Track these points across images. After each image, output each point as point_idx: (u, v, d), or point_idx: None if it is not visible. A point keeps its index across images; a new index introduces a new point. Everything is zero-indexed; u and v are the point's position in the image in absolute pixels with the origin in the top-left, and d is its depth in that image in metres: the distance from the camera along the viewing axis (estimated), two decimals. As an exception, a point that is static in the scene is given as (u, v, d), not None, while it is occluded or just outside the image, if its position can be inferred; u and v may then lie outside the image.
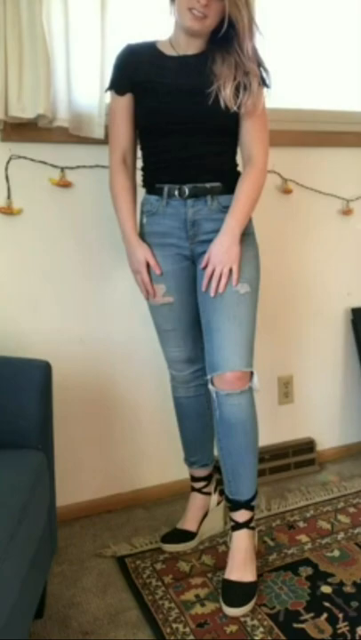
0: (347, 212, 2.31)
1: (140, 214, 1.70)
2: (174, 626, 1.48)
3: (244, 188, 1.58)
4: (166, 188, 1.61)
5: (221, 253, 1.55)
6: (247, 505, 1.62)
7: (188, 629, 1.46)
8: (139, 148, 1.69)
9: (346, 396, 2.44)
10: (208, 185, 1.59)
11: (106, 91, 1.68)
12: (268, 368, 2.25)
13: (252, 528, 1.65)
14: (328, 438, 2.40)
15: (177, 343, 1.73)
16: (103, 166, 1.87)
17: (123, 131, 1.65)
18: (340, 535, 1.85)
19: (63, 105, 1.76)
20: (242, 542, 1.61)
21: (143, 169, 1.69)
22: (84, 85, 1.77)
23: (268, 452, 2.22)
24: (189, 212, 1.60)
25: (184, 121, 1.55)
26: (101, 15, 1.74)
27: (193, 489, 1.87)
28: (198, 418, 1.82)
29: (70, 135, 1.79)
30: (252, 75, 1.52)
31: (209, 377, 1.58)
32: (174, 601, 1.57)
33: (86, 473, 2.01)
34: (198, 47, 1.58)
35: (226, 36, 1.51)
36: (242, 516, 1.62)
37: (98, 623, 1.50)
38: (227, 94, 1.51)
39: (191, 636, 1.44)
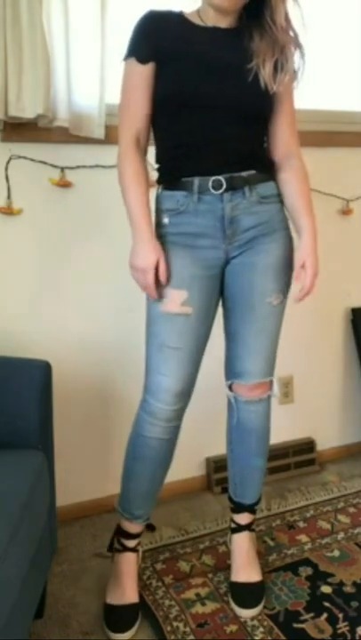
0: (347, 212, 2.31)
1: (157, 213, 1.47)
2: (175, 624, 1.48)
3: (301, 186, 1.50)
4: (197, 181, 1.38)
5: (313, 264, 1.46)
6: (250, 509, 1.63)
7: (188, 629, 1.46)
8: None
9: (346, 396, 2.44)
10: (245, 174, 1.41)
11: (124, 59, 1.43)
12: (268, 368, 2.25)
13: (253, 530, 1.65)
14: (328, 438, 2.40)
15: (175, 367, 1.44)
16: (103, 166, 1.87)
17: (140, 106, 1.40)
18: (340, 535, 1.85)
19: (63, 105, 1.75)
20: (244, 544, 1.62)
21: (160, 160, 1.47)
22: (84, 85, 1.77)
23: (269, 451, 2.22)
24: (227, 208, 1.40)
25: (216, 99, 1.36)
26: (101, 15, 1.74)
27: (125, 549, 1.55)
28: (164, 464, 1.53)
29: (70, 135, 1.79)
30: (287, 50, 1.39)
31: (228, 383, 1.56)
32: (174, 600, 1.57)
33: (86, 473, 2.01)
34: (230, 22, 1.41)
35: (257, 11, 1.38)
36: (244, 518, 1.63)
37: (98, 623, 1.50)
38: (266, 73, 1.36)
39: (191, 636, 1.44)
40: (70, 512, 1.95)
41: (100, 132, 1.80)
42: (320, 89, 2.26)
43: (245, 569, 1.58)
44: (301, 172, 1.51)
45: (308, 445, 2.31)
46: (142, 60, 1.38)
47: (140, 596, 1.58)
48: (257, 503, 1.63)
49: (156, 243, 1.39)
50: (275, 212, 1.48)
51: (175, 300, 1.41)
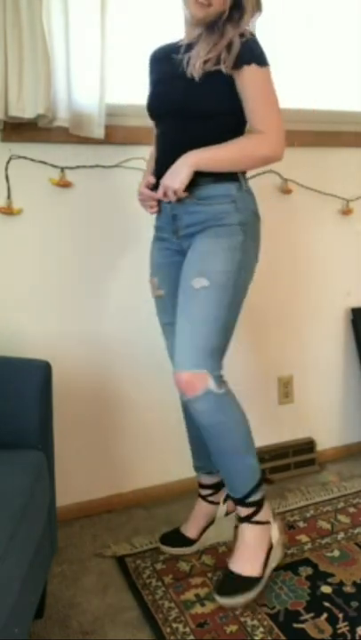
0: (347, 212, 2.31)
1: None
2: (174, 625, 1.48)
3: (233, 140, 1.51)
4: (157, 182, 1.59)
5: (169, 174, 1.50)
6: (242, 502, 1.59)
7: (188, 629, 1.46)
8: None
9: (346, 396, 2.44)
10: None
11: None
12: (268, 368, 2.25)
13: (258, 523, 1.58)
14: (328, 438, 2.40)
15: (172, 337, 1.60)
16: (103, 166, 1.87)
17: None
18: (340, 535, 1.85)
19: (63, 105, 1.76)
20: (244, 535, 1.59)
21: None
22: (84, 85, 1.77)
23: (268, 451, 2.22)
24: (168, 207, 1.58)
25: (159, 109, 1.58)
26: (101, 15, 1.74)
27: (199, 495, 1.82)
28: (194, 421, 1.63)
29: (70, 135, 1.79)
30: (224, 39, 1.47)
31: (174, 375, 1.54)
32: (174, 601, 1.57)
33: (86, 473, 2.01)
34: (199, 32, 1.55)
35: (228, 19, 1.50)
36: (242, 511, 1.61)
37: (98, 623, 1.50)
38: (195, 65, 1.47)
39: (191, 636, 1.44)
40: (70, 512, 1.95)
41: (99, 132, 1.80)
42: (320, 89, 2.26)
43: (239, 560, 1.56)
44: (250, 136, 1.53)
45: (308, 445, 2.31)
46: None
47: (140, 596, 1.58)
48: (249, 496, 1.57)
49: (149, 174, 1.64)
50: (215, 212, 1.53)
51: (153, 285, 1.71)
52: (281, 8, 2.13)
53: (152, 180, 1.59)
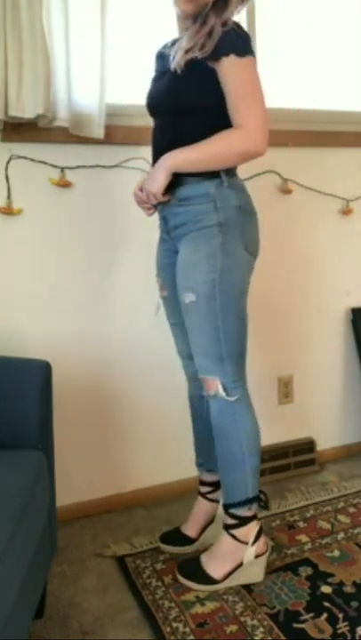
0: (347, 212, 2.31)
1: None
2: (174, 625, 1.47)
3: (210, 138, 1.45)
4: None
5: (148, 177, 1.51)
6: (225, 508, 1.60)
7: (188, 629, 1.46)
8: None
9: (346, 396, 2.44)
10: None
11: None
12: (268, 368, 2.25)
13: (234, 537, 1.59)
14: (328, 438, 2.40)
15: (180, 337, 1.71)
16: (103, 166, 1.87)
17: None
18: (340, 535, 1.85)
19: (63, 105, 1.76)
20: (220, 541, 1.62)
21: None
22: (84, 85, 1.77)
23: (268, 452, 2.22)
24: (159, 208, 1.59)
25: (152, 106, 1.59)
26: (101, 15, 1.74)
27: (199, 492, 1.82)
28: (201, 418, 1.76)
29: (70, 135, 1.79)
30: (214, 33, 1.41)
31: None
32: (174, 601, 1.57)
33: (86, 473, 2.01)
34: (186, 27, 1.53)
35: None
36: (225, 517, 1.61)
37: (98, 623, 1.50)
38: (177, 57, 1.44)
39: (191, 636, 1.44)
40: (70, 512, 1.95)
41: (99, 132, 1.80)
42: (320, 89, 2.26)
43: (210, 557, 1.63)
44: (225, 132, 1.45)
45: (308, 445, 2.31)
46: None
47: (140, 596, 1.58)
48: (231, 507, 1.58)
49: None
50: (194, 213, 1.50)
51: (159, 285, 1.72)
52: (281, 8, 2.13)
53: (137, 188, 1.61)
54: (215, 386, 1.53)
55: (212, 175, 1.49)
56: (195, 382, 1.72)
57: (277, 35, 2.08)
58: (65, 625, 1.50)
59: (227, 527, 1.60)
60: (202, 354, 1.54)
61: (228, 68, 1.42)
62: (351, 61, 2.31)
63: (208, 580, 1.60)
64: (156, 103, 1.57)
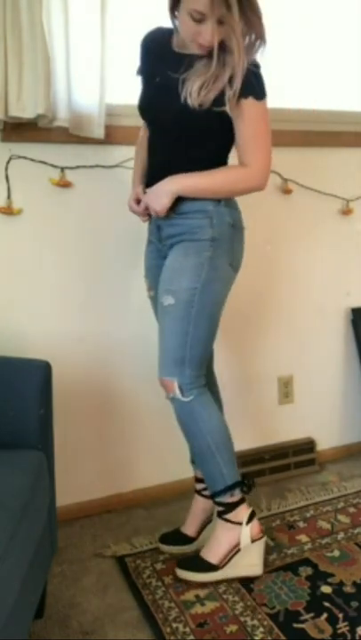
0: (347, 212, 2.31)
1: None
2: (174, 625, 1.48)
3: (218, 170, 1.55)
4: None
5: (152, 195, 1.55)
6: (212, 498, 1.67)
7: (188, 629, 1.46)
8: None
9: (346, 396, 2.44)
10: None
11: None
12: (268, 368, 2.25)
13: (227, 520, 1.65)
14: (328, 438, 2.40)
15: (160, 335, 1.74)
16: (103, 166, 1.87)
17: None
18: (340, 535, 1.85)
19: (63, 105, 1.76)
20: (215, 528, 1.67)
21: None
22: (84, 85, 1.77)
23: (268, 451, 2.22)
24: (154, 217, 1.62)
25: (155, 119, 1.58)
26: (101, 15, 1.74)
27: (195, 490, 1.83)
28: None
29: (70, 135, 1.79)
30: (227, 73, 1.43)
31: None
32: (174, 601, 1.57)
33: (86, 473, 2.01)
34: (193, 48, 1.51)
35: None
36: (215, 506, 1.68)
37: (98, 623, 1.50)
38: (192, 90, 1.44)
39: (191, 636, 1.44)
40: (70, 512, 1.95)
41: (99, 132, 1.80)
42: (320, 89, 2.26)
43: (207, 546, 1.66)
44: (235, 168, 1.56)
45: (308, 445, 2.31)
46: (137, 73, 1.64)
47: (141, 596, 1.58)
48: (216, 495, 1.64)
49: (138, 183, 1.69)
50: (191, 226, 1.56)
51: (147, 286, 1.76)
52: (281, 8, 2.13)
53: (140, 194, 1.63)
54: (173, 387, 1.58)
55: None
56: None
57: (277, 34, 2.07)
58: (65, 625, 1.50)
59: (218, 514, 1.66)
60: (166, 355, 1.59)
61: (246, 111, 1.48)
62: (351, 61, 2.31)
63: (207, 566, 1.63)
64: (161, 119, 1.56)
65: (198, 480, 1.82)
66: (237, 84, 1.43)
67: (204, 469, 1.66)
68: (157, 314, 1.69)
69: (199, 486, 1.81)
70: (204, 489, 1.79)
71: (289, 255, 2.24)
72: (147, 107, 1.59)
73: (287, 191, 2.19)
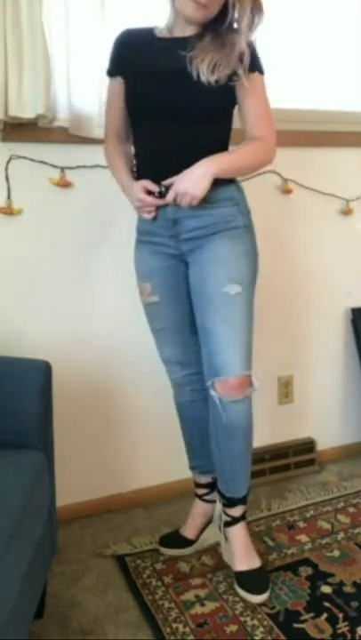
0: (347, 212, 2.31)
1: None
2: (174, 626, 1.48)
3: (241, 147, 1.54)
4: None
5: (188, 180, 1.46)
6: (243, 500, 1.65)
7: (188, 629, 1.46)
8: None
9: (346, 396, 2.44)
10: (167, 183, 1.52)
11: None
12: (268, 368, 2.25)
13: (245, 519, 1.67)
14: (328, 438, 2.40)
15: (168, 343, 1.71)
16: (103, 166, 1.87)
17: (114, 112, 1.64)
18: (340, 535, 1.85)
19: (63, 105, 1.76)
20: (241, 534, 1.64)
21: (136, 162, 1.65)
22: (84, 85, 1.77)
23: (268, 452, 2.22)
24: (170, 212, 1.55)
25: (161, 106, 1.50)
26: (101, 15, 1.74)
27: (196, 495, 1.83)
28: (194, 423, 1.77)
29: (70, 135, 1.79)
30: (236, 49, 1.46)
31: (210, 382, 1.55)
32: (174, 601, 1.57)
33: (86, 473, 2.01)
34: (194, 30, 1.53)
35: (224, 19, 1.49)
36: (238, 510, 1.65)
37: (98, 623, 1.50)
38: (203, 67, 1.44)
39: (191, 636, 1.44)
40: (70, 512, 1.95)
41: (99, 132, 1.79)
42: (320, 89, 2.26)
43: (247, 557, 1.62)
44: (254, 144, 1.56)
45: (308, 445, 2.31)
46: (110, 74, 1.63)
47: (141, 596, 1.58)
48: (248, 493, 1.66)
49: (138, 181, 1.58)
50: (222, 215, 1.55)
51: (143, 292, 1.68)
52: (281, 8, 2.13)
53: (152, 186, 1.53)
54: (247, 383, 1.54)
55: (231, 179, 1.57)
56: (184, 388, 1.76)
57: (277, 34, 2.08)
58: (65, 625, 1.50)
59: (243, 517, 1.67)
60: (241, 349, 1.53)
61: (255, 85, 1.52)
62: (351, 61, 2.31)
63: (266, 571, 1.64)
64: (175, 109, 1.51)
65: (200, 485, 1.81)
66: (247, 58, 1.47)
67: (245, 468, 1.63)
68: (162, 319, 1.68)
69: (201, 491, 1.81)
70: (207, 494, 1.80)
71: (289, 255, 2.24)
72: (150, 97, 1.51)
73: (287, 191, 2.19)
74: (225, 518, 1.67)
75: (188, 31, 1.53)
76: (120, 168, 1.65)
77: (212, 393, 1.54)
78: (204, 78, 1.44)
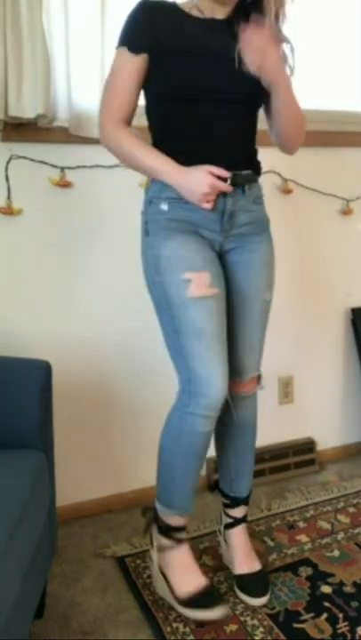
0: (347, 212, 2.31)
1: (150, 201, 1.47)
2: (174, 625, 1.48)
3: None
4: None
5: (277, 61, 1.37)
6: (246, 500, 1.66)
7: (188, 629, 1.46)
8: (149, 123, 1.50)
9: (346, 396, 2.44)
10: (244, 172, 1.45)
11: (118, 46, 1.43)
12: (268, 368, 2.23)
13: (247, 521, 1.68)
14: (328, 438, 2.40)
15: (220, 350, 1.42)
16: (103, 166, 1.87)
17: (129, 93, 1.42)
18: (340, 535, 1.85)
19: (63, 105, 1.76)
20: (243, 536, 1.64)
21: (162, 151, 1.43)
22: (84, 85, 1.77)
23: (268, 452, 2.22)
24: (229, 203, 1.43)
25: (220, 92, 1.39)
26: (101, 15, 1.74)
27: (180, 541, 1.52)
28: (204, 453, 1.51)
29: (70, 135, 1.79)
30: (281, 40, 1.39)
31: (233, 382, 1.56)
32: (174, 601, 1.57)
33: (86, 473, 2.01)
34: (227, 12, 1.42)
35: (254, 3, 1.39)
36: (241, 511, 1.65)
37: (98, 623, 1.50)
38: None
39: (191, 636, 1.44)
40: (70, 512, 1.95)
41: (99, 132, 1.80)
42: (320, 89, 2.26)
43: (248, 560, 1.61)
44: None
45: (308, 445, 2.31)
46: (135, 50, 1.39)
47: (141, 596, 1.58)
48: (250, 494, 1.68)
49: (191, 167, 1.39)
50: (262, 212, 1.56)
51: (202, 282, 1.40)
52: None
53: (221, 171, 1.37)
54: (257, 380, 1.61)
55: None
56: (216, 412, 1.45)
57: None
58: (65, 625, 1.50)
59: (245, 518, 1.67)
60: (260, 351, 1.60)
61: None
62: (352, 61, 2.31)
63: (266, 573, 1.64)
64: (225, 95, 1.40)
65: (182, 529, 1.54)
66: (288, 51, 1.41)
67: (252, 467, 1.68)
68: (213, 316, 1.42)
69: (183, 534, 1.54)
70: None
71: (289, 255, 2.24)
72: (205, 80, 1.39)
73: (287, 191, 2.19)
74: (226, 520, 1.66)
75: (221, 13, 1.42)
76: (153, 152, 1.42)
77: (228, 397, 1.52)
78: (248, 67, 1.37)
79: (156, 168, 1.41)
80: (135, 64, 1.40)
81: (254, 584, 1.57)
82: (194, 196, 1.38)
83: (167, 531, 1.52)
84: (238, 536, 1.63)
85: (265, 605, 1.54)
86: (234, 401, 1.54)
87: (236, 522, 1.64)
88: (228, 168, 1.39)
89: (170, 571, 1.51)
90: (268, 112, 1.51)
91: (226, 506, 1.66)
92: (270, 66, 1.37)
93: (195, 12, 1.43)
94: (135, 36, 1.40)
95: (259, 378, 1.63)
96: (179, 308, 1.41)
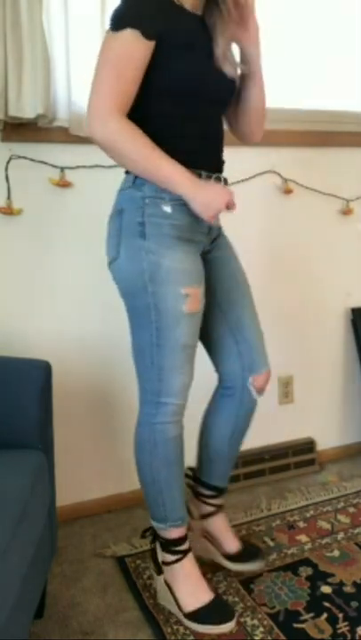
0: (347, 212, 2.31)
1: (151, 201, 1.38)
2: (175, 626, 1.47)
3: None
4: (204, 175, 1.39)
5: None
6: (225, 489, 1.70)
7: (188, 629, 1.46)
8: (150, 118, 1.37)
9: (346, 396, 2.44)
10: (222, 175, 1.47)
11: (120, 29, 1.25)
12: (268, 368, 2.25)
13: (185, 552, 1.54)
14: (328, 438, 2.40)
15: (191, 362, 1.44)
16: (103, 166, 1.87)
17: (133, 82, 1.27)
18: (340, 535, 1.85)
19: (63, 105, 1.76)
20: (225, 520, 1.69)
21: (164, 145, 1.32)
22: (84, 85, 1.76)
23: (268, 451, 2.22)
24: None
25: (215, 92, 1.40)
26: (101, 15, 1.74)
27: (185, 553, 1.50)
28: (182, 457, 1.52)
29: (70, 135, 1.79)
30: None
31: (251, 378, 1.55)
32: (174, 601, 1.57)
33: (86, 473, 2.01)
34: (201, 9, 1.39)
35: None
36: (221, 499, 1.69)
37: (98, 623, 1.50)
38: (234, 58, 1.40)
39: (191, 637, 1.44)
40: (70, 512, 1.95)
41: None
42: (320, 89, 2.26)
43: (234, 540, 1.66)
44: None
45: (308, 445, 2.31)
46: (149, 36, 1.25)
47: (141, 596, 1.58)
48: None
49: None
50: None
51: (197, 298, 1.39)
52: (281, 7, 2.13)
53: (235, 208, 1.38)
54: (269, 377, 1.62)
55: None
56: (180, 417, 1.50)
57: (277, 34, 2.08)
58: (65, 625, 1.50)
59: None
60: (263, 343, 1.58)
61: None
62: (351, 61, 2.31)
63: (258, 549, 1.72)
64: (222, 95, 1.43)
65: (184, 540, 1.53)
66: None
67: (233, 460, 1.69)
68: (196, 332, 1.43)
69: (186, 545, 1.53)
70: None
71: (289, 255, 2.24)
72: (211, 80, 1.36)
73: (287, 191, 2.19)
74: (207, 510, 1.66)
75: (199, 10, 1.38)
76: (166, 156, 1.30)
77: (251, 388, 1.57)
78: (239, 67, 1.44)
79: (169, 175, 1.30)
80: (147, 51, 1.26)
81: (249, 553, 1.65)
82: (207, 209, 1.31)
83: (169, 545, 1.51)
84: (222, 521, 1.67)
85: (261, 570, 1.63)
86: (250, 395, 1.58)
87: (218, 509, 1.67)
88: (217, 168, 1.45)
89: (176, 585, 1.49)
90: (234, 106, 1.52)
91: (210, 497, 1.67)
92: (256, 35, 1.40)
93: (188, 7, 1.36)
94: (147, 18, 1.25)
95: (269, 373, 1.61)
96: (169, 322, 1.36)
